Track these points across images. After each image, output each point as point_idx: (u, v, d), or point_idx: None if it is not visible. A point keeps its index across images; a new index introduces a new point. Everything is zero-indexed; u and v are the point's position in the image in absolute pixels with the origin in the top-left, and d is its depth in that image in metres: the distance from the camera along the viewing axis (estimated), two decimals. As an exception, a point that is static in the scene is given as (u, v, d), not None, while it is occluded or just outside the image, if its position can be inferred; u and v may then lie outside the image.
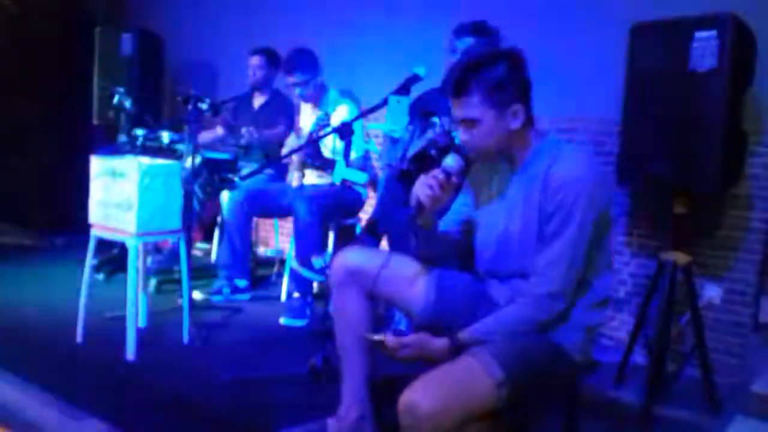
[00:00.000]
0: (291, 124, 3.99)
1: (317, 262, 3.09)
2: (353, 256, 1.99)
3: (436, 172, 1.84)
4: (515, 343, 1.68)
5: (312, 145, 3.35)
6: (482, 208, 1.93)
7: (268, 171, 3.91)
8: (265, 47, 4.18)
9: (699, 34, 2.47)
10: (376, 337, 1.77)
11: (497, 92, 1.73)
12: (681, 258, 2.64)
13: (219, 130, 4.36)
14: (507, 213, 1.83)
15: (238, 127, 4.10)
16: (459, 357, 1.65)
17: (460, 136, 1.83)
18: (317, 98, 3.69)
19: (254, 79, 4.15)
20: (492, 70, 1.74)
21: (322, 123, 3.37)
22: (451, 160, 1.84)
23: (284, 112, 4.04)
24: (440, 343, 1.71)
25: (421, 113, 2.92)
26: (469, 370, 1.59)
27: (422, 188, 1.83)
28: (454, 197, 2.00)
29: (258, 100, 4.26)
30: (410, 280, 1.95)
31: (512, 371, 1.58)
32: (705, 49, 2.46)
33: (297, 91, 3.64)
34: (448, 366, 1.62)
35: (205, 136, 4.30)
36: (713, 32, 2.44)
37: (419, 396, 1.51)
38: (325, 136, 3.15)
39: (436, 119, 2.83)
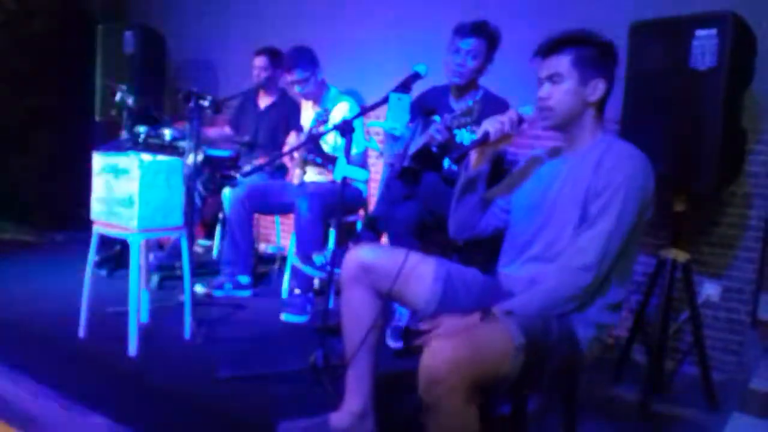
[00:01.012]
0: (300, 127, 3.99)
1: (318, 258, 3.10)
2: (368, 253, 1.99)
3: (512, 112, 1.89)
4: (538, 319, 1.70)
5: (312, 141, 3.36)
6: (523, 188, 1.98)
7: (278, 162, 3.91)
8: (269, 47, 4.18)
9: (699, 33, 2.47)
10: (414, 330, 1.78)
11: (587, 63, 1.82)
12: (680, 255, 2.65)
13: (227, 129, 4.38)
14: (555, 190, 1.87)
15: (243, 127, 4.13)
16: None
17: (540, 91, 1.86)
18: (317, 96, 3.70)
19: (258, 80, 4.15)
20: (588, 47, 1.83)
21: (321, 119, 3.38)
22: (528, 109, 1.90)
23: (292, 115, 4.04)
24: (472, 318, 1.70)
25: (422, 111, 2.94)
26: (493, 330, 1.62)
27: (493, 122, 1.88)
28: (448, 193, 2.01)
29: (264, 101, 4.26)
30: (416, 274, 1.96)
31: (531, 342, 1.61)
32: (704, 47, 2.46)
33: (297, 88, 3.65)
34: (476, 325, 1.65)
35: (211, 133, 4.32)
36: (713, 31, 2.44)
37: (444, 341, 1.54)
38: (325, 133, 3.16)
39: (437, 117, 2.84)
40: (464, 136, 2.81)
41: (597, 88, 1.83)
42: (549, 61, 1.85)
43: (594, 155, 1.81)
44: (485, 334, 1.61)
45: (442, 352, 1.51)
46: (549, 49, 1.86)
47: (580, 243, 1.74)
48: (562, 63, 1.83)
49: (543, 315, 1.71)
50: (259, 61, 4.16)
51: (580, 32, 1.85)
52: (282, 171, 4.09)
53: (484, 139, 1.88)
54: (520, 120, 1.89)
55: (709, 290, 3.03)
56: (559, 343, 1.72)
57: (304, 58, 3.58)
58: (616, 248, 1.73)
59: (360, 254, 1.99)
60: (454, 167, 2.73)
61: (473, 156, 1.97)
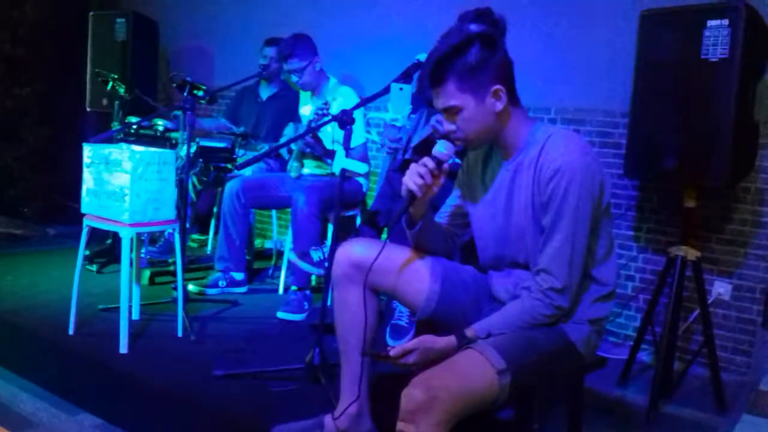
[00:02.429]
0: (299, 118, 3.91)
1: (315, 254, 3.03)
2: (357, 249, 1.92)
3: (426, 160, 1.77)
4: (519, 334, 1.65)
5: (312, 134, 3.27)
6: (477, 200, 1.89)
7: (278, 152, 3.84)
8: (279, 38, 4.10)
9: (711, 23, 2.42)
10: (380, 353, 1.71)
11: (472, 76, 1.68)
12: (690, 253, 2.60)
13: (222, 121, 4.29)
14: (502, 204, 1.80)
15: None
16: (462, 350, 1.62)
17: (444, 126, 1.77)
18: (316, 86, 3.62)
19: (268, 70, 4.07)
20: (464, 55, 1.68)
21: (321, 112, 3.30)
22: (441, 147, 1.78)
23: (295, 106, 3.96)
24: (445, 341, 1.65)
25: (426, 102, 2.85)
26: (469, 359, 1.56)
27: (412, 176, 1.76)
28: (447, 188, 1.94)
29: (265, 92, 4.18)
30: (413, 273, 1.90)
31: (514, 360, 1.55)
32: (716, 38, 2.41)
33: (293, 78, 3.57)
34: (451, 358, 1.59)
35: (206, 124, 4.24)
36: (725, 21, 2.39)
37: (419, 385, 1.48)
38: (324, 124, 3.08)
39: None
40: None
41: (498, 96, 1.70)
42: (438, 95, 1.73)
43: (530, 162, 1.71)
44: (460, 366, 1.55)
45: (417, 397, 1.46)
46: (431, 81, 1.72)
47: (543, 265, 1.68)
48: (450, 92, 1.70)
49: (523, 332, 1.66)
50: (270, 51, 4.07)
51: (449, 44, 1.70)
52: (282, 160, 4.00)
53: (412, 199, 1.78)
54: (439, 163, 1.77)
55: (720, 289, 2.97)
56: (551, 355, 1.68)
57: (301, 47, 3.49)
58: (582, 253, 1.67)
59: (352, 251, 1.91)
60: (458, 161, 2.66)
61: (410, 214, 1.87)
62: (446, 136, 1.79)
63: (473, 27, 1.71)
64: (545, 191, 1.66)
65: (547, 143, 1.69)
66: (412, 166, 1.78)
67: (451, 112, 1.72)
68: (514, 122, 1.76)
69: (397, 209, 1.83)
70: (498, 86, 1.69)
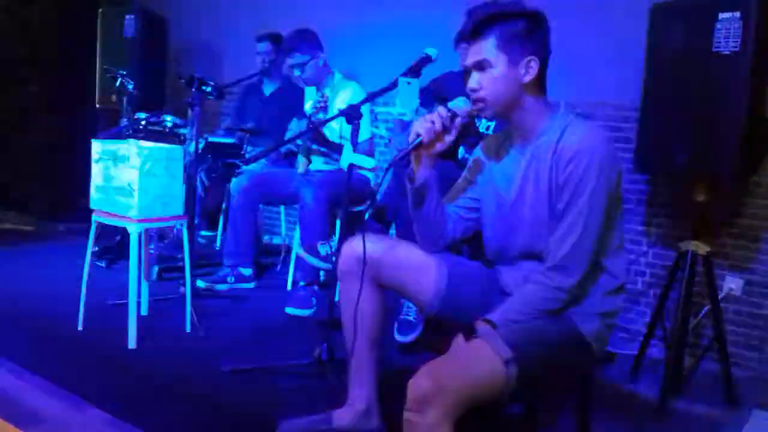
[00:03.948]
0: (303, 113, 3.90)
1: (323, 248, 3.02)
2: (366, 245, 1.90)
3: (441, 109, 1.76)
4: (527, 325, 1.63)
5: (314, 129, 3.25)
6: (489, 188, 1.87)
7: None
8: (272, 32, 4.10)
9: (722, 15, 2.39)
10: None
11: (514, 41, 1.69)
12: (701, 248, 2.58)
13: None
14: (517, 187, 1.78)
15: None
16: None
17: (469, 82, 1.75)
18: (319, 81, 3.59)
19: (263, 66, 4.06)
20: (513, 22, 1.69)
21: (318, 105, 3.29)
22: (460, 102, 1.77)
23: (298, 101, 3.95)
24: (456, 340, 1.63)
25: (436, 97, 2.84)
26: (477, 349, 1.55)
27: (423, 121, 1.75)
28: (453, 172, 1.91)
29: (268, 87, 4.19)
30: (420, 268, 1.88)
31: (521, 350, 1.54)
32: (728, 30, 2.38)
33: (296, 72, 3.54)
34: (458, 348, 1.58)
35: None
36: (737, 13, 2.36)
37: (425, 374, 1.47)
38: (329, 120, 3.06)
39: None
40: (483, 123, 2.72)
41: (530, 67, 1.70)
42: (473, 47, 1.72)
43: (549, 145, 1.70)
44: (466, 356, 1.55)
45: (423, 387, 1.45)
46: (471, 33, 1.72)
47: (553, 242, 1.67)
48: (487, 47, 1.69)
49: (534, 319, 1.65)
50: (263, 47, 4.07)
51: (501, 7, 1.73)
52: (290, 158, 4.00)
53: (418, 143, 1.76)
54: (453, 115, 1.76)
55: (731, 284, 2.95)
56: (560, 347, 1.66)
57: (304, 42, 3.47)
58: (593, 236, 1.65)
59: (358, 246, 1.89)
60: (468, 155, 2.64)
61: (413, 165, 1.84)
62: (462, 130, 1.78)
63: (525, 4, 1.74)
64: (563, 172, 1.65)
65: (567, 128, 1.69)
66: (426, 115, 1.78)
67: (481, 67, 1.71)
68: (536, 105, 1.74)
69: (397, 155, 1.80)
70: (533, 59, 1.69)
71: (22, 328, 2.86)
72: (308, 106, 3.66)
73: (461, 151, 2.74)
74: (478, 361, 1.52)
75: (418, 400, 1.45)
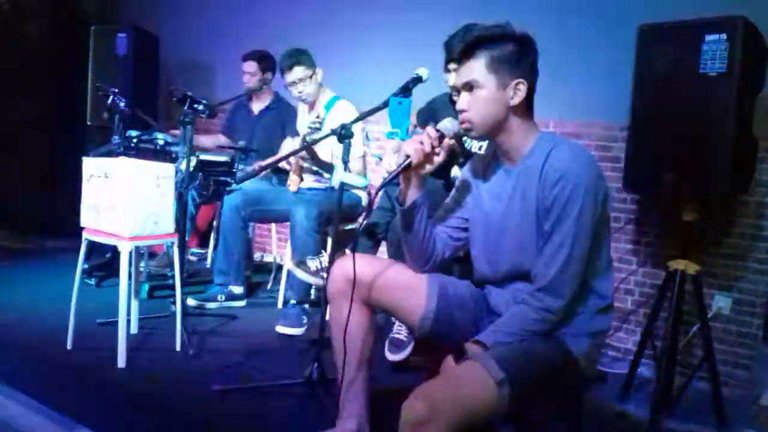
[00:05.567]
0: (296, 131, 3.91)
1: (313, 263, 3.01)
2: (356, 265, 1.90)
3: (430, 129, 1.79)
4: (518, 346, 1.64)
5: (307, 149, 3.26)
6: (477, 209, 1.88)
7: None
8: (257, 51, 4.12)
9: (709, 37, 2.42)
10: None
11: (503, 64, 1.71)
12: (690, 267, 2.59)
13: (221, 138, 4.29)
14: (504, 209, 1.79)
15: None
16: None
17: (457, 103, 1.78)
18: (316, 97, 3.60)
19: (248, 85, 4.08)
20: (502, 45, 1.73)
21: (314, 126, 3.30)
22: (448, 123, 1.80)
23: (288, 118, 3.95)
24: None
25: (430, 119, 2.85)
26: (469, 370, 1.55)
27: (412, 143, 1.77)
28: (440, 194, 1.92)
29: (257, 105, 4.20)
30: (409, 289, 1.89)
31: (513, 371, 1.54)
32: (714, 52, 2.41)
33: (299, 88, 3.52)
34: (450, 370, 1.59)
35: (205, 141, 4.23)
36: (723, 35, 2.40)
37: (419, 397, 1.47)
38: (321, 139, 3.07)
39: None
40: (473, 144, 2.73)
41: (518, 90, 1.72)
42: (463, 68, 1.75)
43: (535, 167, 1.71)
44: (458, 379, 1.55)
45: (416, 410, 1.44)
46: (461, 53, 1.76)
47: (541, 263, 1.68)
48: (477, 68, 1.72)
49: (524, 340, 1.65)
50: (248, 67, 4.10)
51: (493, 30, 1.76)
52: (281, 175, 4.00)
53: (407, 166, 1.78)
54: (441, 136, 1.78)
55: (720, 303, 2.97)
56: (551, 367, 1.67)
57: (305, 56, 3.49)
58: (581, 256, 1.66)
59: (345, 266, 1.90)
60: (456, 175, 2.65)
61: (402, 186, 1.86)
62: (453, 150, 1.79)
63: (514, 28, 1.77)
64: (549, 195, 1.66)
65: (553, 150, 1.70)
66: (415, 135, 1.80)
67: (470, 88, 1.74)
68: (523, 127, 1.76)
69: (387, 177, 1.81)
70: (520, 80, 1.72)
71: (10, 347, 2.83)
72: (303, 125, 3.66)
73: (456, 170, 2.75)
74: (470, 382, 1.52)
75: (412, 424, 1.44)
